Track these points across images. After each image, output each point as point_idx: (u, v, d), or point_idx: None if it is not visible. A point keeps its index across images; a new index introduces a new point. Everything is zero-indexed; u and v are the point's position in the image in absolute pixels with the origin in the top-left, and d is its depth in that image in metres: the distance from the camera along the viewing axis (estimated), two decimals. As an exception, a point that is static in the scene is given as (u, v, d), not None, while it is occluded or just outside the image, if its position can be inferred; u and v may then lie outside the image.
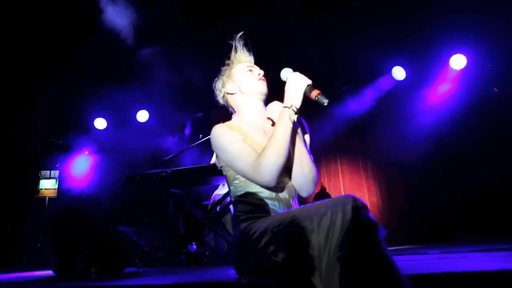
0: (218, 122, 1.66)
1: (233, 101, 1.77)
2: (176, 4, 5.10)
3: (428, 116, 5.85)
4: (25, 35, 5.22)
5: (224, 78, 1.77)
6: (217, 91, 1.80)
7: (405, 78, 6.13)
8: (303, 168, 1.55)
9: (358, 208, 1.13)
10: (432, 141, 5.64)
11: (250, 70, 1.74)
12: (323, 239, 1.15)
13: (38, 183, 6.86)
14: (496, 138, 5.24)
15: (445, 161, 5.49)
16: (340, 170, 6.68)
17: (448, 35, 5.42)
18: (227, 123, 1.67)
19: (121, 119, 7.00)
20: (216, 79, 1.81)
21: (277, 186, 1.53)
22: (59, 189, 6.88)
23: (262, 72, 1.74)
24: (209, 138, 2.78)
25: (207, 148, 5.08)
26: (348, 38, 5.26)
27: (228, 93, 1.76)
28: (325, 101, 1.45)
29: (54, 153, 6.91)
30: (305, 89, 1.48)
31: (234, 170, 1.56)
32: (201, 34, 5.38)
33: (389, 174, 6.27)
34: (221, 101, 1.82)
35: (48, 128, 6.56)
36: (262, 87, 1.70)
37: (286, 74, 1.57)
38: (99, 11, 5.09)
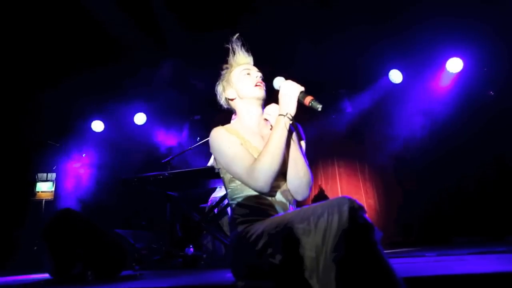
0: (216, 125, 1.67)
1: (233, 106, 1.78)
2: (172, 8, 5.11)
3: (425, 119, 5.86)
4: (24, 39, 5.20)
5: (224, 83, 1.78)
6: (219, 96, 1.82)
7: (402, 81, 6.15)
8: (298, 171, 1.56)
9: (355, 209, 1.14)
10: (429, 144, 5.66)
11: (248, 74, 1.73)
12: (320, 240, 1.15)
13: (35, 186, 6.82)
14: (492, 141, 5.26)
15: (442, 164, 5.50)
16: (338, 173, 6.68)
17: (445, 39, 5.45)
18: (226, 126, 1.68)
19: (119, 122, 6.98)
20: (217, 83, 1.82)
21: (274, 190, 1.54)
22: (56, 192, 6.85)
23: (260, 75, 1.74)
24: (206, 141, 2.78)
25: (205, 151, 5.07)
26: (346, 41, 5.28)
27: (228, 99, 1.77)
28: (319, 107, 1.46)
29: (51, 155, 6.88)
30: (299, 96, 1.50)
31: (230, 174, 1.57)
32: (199, 35, 5.40)
33: (386, 177, 6.27)
34: (224, 105, 1.83)
35: (45, 131, 6.54)
36: (259, 93, 1.69)
37: (279, 83, 1.58)
38: (98, 15, 5.09)
